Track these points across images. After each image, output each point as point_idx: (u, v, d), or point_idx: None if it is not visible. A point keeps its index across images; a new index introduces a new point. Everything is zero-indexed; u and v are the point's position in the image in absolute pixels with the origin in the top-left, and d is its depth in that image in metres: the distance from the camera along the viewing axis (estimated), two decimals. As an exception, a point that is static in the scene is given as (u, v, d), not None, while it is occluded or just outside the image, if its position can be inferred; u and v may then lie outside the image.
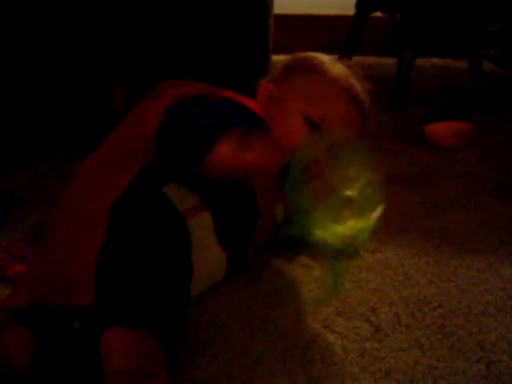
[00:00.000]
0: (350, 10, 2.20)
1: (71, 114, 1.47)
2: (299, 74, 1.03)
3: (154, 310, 0.67)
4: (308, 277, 0.95)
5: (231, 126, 0.79)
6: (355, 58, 2.28)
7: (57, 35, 1.39)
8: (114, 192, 0.76)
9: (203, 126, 0.79)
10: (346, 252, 0.79)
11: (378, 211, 0.79)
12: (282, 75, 1.04)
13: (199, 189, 0.82)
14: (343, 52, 2.23)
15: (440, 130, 1.47)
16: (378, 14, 2.19)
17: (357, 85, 1.04)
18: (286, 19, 2.26)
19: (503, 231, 1.13)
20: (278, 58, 1.14)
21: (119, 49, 1.47)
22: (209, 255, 0.84)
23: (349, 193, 0.78)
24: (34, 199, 1.22)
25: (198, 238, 0.79)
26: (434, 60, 2.43)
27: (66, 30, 1.39)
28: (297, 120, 0.98)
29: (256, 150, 0.74)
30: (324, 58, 1.06)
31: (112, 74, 1.48)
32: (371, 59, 2.46)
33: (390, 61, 2.45)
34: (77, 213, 0.78)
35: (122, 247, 0.71)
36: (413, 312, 0.89)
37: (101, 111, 1.47)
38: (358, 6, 2.14)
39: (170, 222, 0.75)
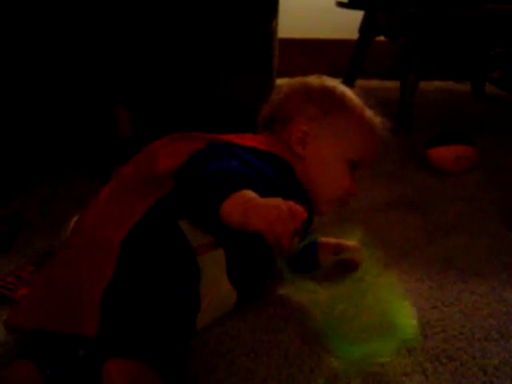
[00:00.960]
0: (354, 35, 2.22)
1: (78, 139, 1.49)
2: (333, 113, 1.00)
3: (156, 342, 0.68)
4: (312, 301, 0.95)
5: (253, 178, 0.78)
6: (359, 82, 2.30)
7: (65, 60, 1.41)
8: (126, 224, 0.77)
9: (218, 179, 0.76)
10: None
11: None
12: (312, 113, 1.00)
13: (215, 228, 0.81)
14: (345, 80, 2.25)
15: (443, 154, 1.48)
16: (381, 37, 2.21)
17: (372, 116, 1.06)
18: (289, 43, 2.28)
19: (507, 255, 1.13)
20: (282, 82, 1.14)
21: (125, 74, 1.50)
22: (219, 291, 0.84)
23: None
24: (41, 223, 1.24)
25: (208, 274, 0.80)
26: (437, 83, 2.45)
27: (73, 55, 1.41)
28: (340, 163, 0.98)
29: (262, 215, 0.71)
30: (343, 90, 1.05)
31: (118, 99, 1.50)
32: (374, 82, 2.48)
33: (393, 84, 2.47)
34: (89, 242, 0.78)
35: (130, 280, 0.72)
36: (416, 336, 0.89)
37: (107, 136, 1.49)
38: (361, 30, 2.16)
39: (180, 256, 0.75)
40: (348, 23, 2.29)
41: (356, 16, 2.17)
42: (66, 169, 1.48)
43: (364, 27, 2.14)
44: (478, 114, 2.10)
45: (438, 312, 0.95)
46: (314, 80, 1.05)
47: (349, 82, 2.25)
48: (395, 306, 0.81)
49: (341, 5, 1.96)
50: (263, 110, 1.06)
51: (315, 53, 2.46)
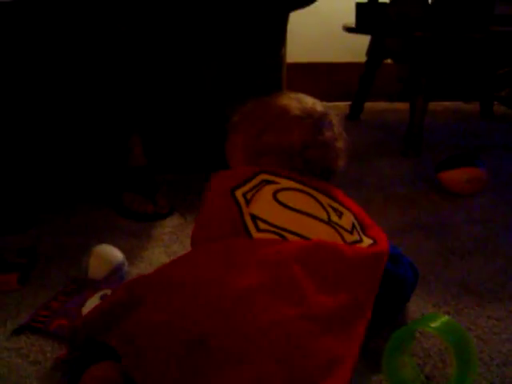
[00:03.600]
0: (362, 57, 2.24)
1: (93, 169, 1.51)
2: None
3: None
4: None
5: None
6: (367, 104, 2.32)
7: (81, 91, 1.43)
8: None
9: None
10: None
11: None
12: None
13: None
14: (354, 102, 2.28)
15: (454, 177, 1.49)
16: (389, 60, 2.23)
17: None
18: (297, 67, 2.31)
19: (522, 279, 1.14)
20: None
21: (140, 104, 1.52)
22: None
23: None
24: (57, 254, 1.25)
25: None
26: (446, 104, 2.46)
27: (90, 86, 1.43)
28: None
29: None
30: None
31: (132, 130, 1.52)
32: (383, 105, 2.50)
33: (401, 106, 2.50)
34: None
35: None
36: (435, 363, 0.90)
37: (121, 166, 1.50)
38: (369, 53, 2.18)
39: None
40: (356, 46, 2.31)
41: (364, 39, 2.19)
42: (80, 199, 1.50)
43: (372, 50, 2.16)
44: (487, 135, 2.11)
45: (456, 338, 0.95)
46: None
47: (358, 105, 2.27)
48: None
49: (348, 30, 1.98)
50: None
51: (323, 76, 2.48)
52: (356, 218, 1.00)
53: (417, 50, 1.79)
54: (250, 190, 0.97)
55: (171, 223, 1.40)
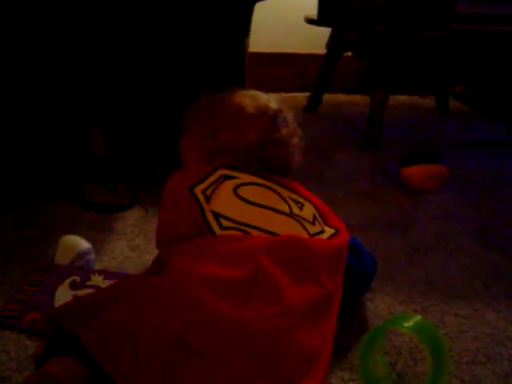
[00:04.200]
0: (322, 49, 2.24)
1: (52, 159, 1.46)
2: None
3: None
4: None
5: None
6: (325, 96, 2.32)
7: (40, 82, 1.38)
8: None
9: None
10: None
11: None
12: None
13: None
14: (313, 94, 2.28)
15: (416, 173, 1.51)
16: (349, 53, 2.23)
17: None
18: (258, 57, 2.28)
19: (486, 276, 1.16)
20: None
21: (100, 94, 1.48)
22: None
23: None
24: (18, 248, 1.20)
25: None
26: (402, 98, 2.49)
27: (49, 76, 1.38)
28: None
29: None
30: None
31: (93, 119, 1.48)
32: (341, 97, 2.51)
33: (359, 98, 2.51)
34: None
35: None
36: (406, 361, 0.91)
37: (81, 155, 1.46)
38: (329, 46, 2.18)
39: None
40: (317, 38, 2.31)
41: (325, 31, 2.19)
42: (36, 190, 1.45)
43: (332, 43, 2.16)
44: (444, 129, 2.14)
45: (425, 336, 0.96)
46: None
47: (316, 97, 2.27)
48: None
49: (310, 21, 1.97)
50: None
51: (284, 67, 2.47)
52: (316, 209, 1.01)
53: (378, 45, 1.80)
54: (210, 186, 0.96)
55: (133, 216, 1.37)
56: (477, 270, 1.18)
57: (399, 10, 1.75)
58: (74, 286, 1.03)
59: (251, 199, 0.95)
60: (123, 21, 1.45)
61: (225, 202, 0.94)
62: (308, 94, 2.31)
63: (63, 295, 1.01)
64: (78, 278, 1.05)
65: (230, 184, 0.97)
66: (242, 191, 0.96)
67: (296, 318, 0.79)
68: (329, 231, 0.98)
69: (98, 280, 1.06)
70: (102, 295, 0.86)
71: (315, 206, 1.01)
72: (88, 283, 1.05)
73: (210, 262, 0.84)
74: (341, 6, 1.88)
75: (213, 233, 0.91)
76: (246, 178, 0.99)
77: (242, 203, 0.95)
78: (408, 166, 1.52)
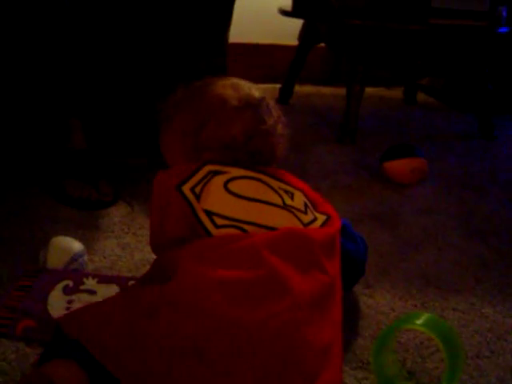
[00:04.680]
0: (293, 40, 2.24)
1: (31, 153, 1.41)
2: None
3: None
4: None
5: None
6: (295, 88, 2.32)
7: (17, 74, 1.33)
8: None
9: None
10: None
11: None
12: None
13: None
14: (284, 85, 2.27)
15: (398, 167, 1.53)
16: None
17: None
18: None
19: (476, 270, 1.18)
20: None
21: (78, 86, 1.43)
22: None
23: None
24: (0, 248, 1.16)
25: None
26: (369, 89, 2.50)
27: (27, 68, 1.33)
28: None
29: None
30: None
31: (71, 112, 1.43)
32: (308, 88, 2.51)
33: (327, 90, 2.52)
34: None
35: None
36: (414, 357, 0.92)
37: (60, 149, 1.41)
38: (301, 38, 2.17)
39: None
40: (287, 29, 2.30)
41: (296, 23, 2.18)
42: (18, 186, 1.40)
43: (304, 35, 2.15)
44: (415, 122, 2.17)
45: (429, 331, 0.97)
46: None
47: (288, 89, 2.27)
48: None
49: (284, 13, 1.96)
50: None
51: (253, 57, 2.45)
52: (306, 196, 1.00)
53: (356, 39, 1.80)
54: (198, 183, 0.92)
55: (118, 212, 1.34)
56: (467, 263, 1.21)
57: (377, 4, 1.76)
58: (67, 290, 1.01)
59: (243, 194, 0.93)
60: (105, 13, 1.41)
61: (216, 198, 0.91)
62: (276, 85, 2.31)
63: (57, 300, 0.98)
64: (70, 283, 1.02)
65: (220, 179, 0.93)
66: (233, 186, 0.94)
67: (307, 311, 0.78)
68: (321, 218, 0.96)
69: (91, 284, 1.03)
70: (109, 304, 0.82)
71: (305, 194, 1.00)
72: (82, 287, 1.02)
73: (216, 265, 0.82)
74: (315, -1, 1.88)
75: (208, 232, 0.88)
76: (235, 171, 0.96)
77: (234, 199, 0.92)
78: (391, 161, 1.53)
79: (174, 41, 1.49)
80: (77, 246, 1.08)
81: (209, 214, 0.89)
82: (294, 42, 2.24)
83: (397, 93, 2.50)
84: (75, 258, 1.06)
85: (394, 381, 0.86)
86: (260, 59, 2.47)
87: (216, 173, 0.94)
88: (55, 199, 1.37)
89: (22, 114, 1.38)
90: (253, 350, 0.72)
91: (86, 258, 1.09)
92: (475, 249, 1.26)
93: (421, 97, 2.47)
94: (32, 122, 1.40)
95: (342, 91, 2.48)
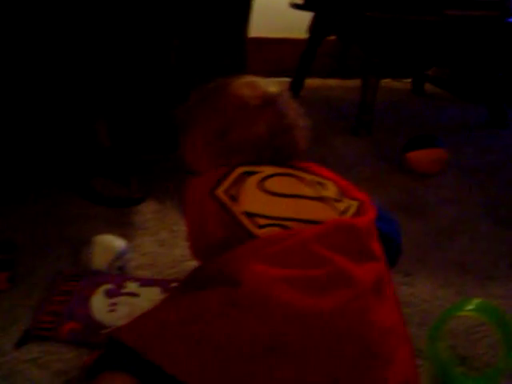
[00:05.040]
0: (301, 34, 2.25)
1: (58, 154, 1.41)
2: None
3: None
4: None
5: None
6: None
7: (44, 77, 1.34)
8: None
9: None
10: None
11: None
12: None
13: None
14: (295, 79, 2.28)
15: (422, 157, 1.55)
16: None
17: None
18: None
19: (508, 257, 1.20)
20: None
21: (104, 87, 1.43)
22: None
23: None
24: (38, 247, 1.17)
25: None
26: (377, 81, 2.52)
27: (54, 71, 1.34)
28: None
29: None
30: None
31: (98, 113, 1.44)
32: (316, 81, 2.51)
33: (334, 82, 2.53)
34: None
35: None
36: (463, 343, 0.94)
37: (87, 150, 1.42)
38: (311, 30, 2.18)
39: None
40: (292, 23, 2.31)
41: (303, 16, 2.19)
42: (45, 186, 1.41)
43: (315, 28, 2.16)
44: (426, 112, 2.19)
45: (474, 319, 0.97)
46: None
47: (298, 82, 2.28)
48: None
49: (295, 6, 1.97)
50: None
51: (262, 52, 2.46)
52: (337, 185, 0.99)
53: (372, 31, 1.82)
54: (232, 185, 0.92)
55: (149, 209, 1.34)
56: (499, 251, 1.23)
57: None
58: (109, 293, 1.01)
59: (279, 191, 0.93)
60: (128, 12, 1.41)
61: (254, 199, 0.91)
62: (286, 79, 2.31)
63: (99, 303, 0.98)
64: (111, 286, 1.03)
65: (254, 179, 0.93)
66: (268, 184, 0.94)
67: (372, 298, 0.80)
68: (354, 204, 0.96)
69: (133, 287, 1.03)
70: (168, 311, 0.81)
71: (335, 183, 1.00)
72: (123, 290, 1.02)
73: (277, 264, 0.82)
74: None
75: (250, 234, 0.88)
76: (267, 170, 0.96)
77: (271, 197, 0.92)
78: (414, 151, 1.55)
79: (196, 37, 1.50)
80: (121, 243, 1.08)
81: (249, 215, 0.89)
82: (299, 35, 2.26)
83: (403, 84, 2.52)
84: (120, 255, 1.06)
85: (448, 367, 0.88)
86: (267, 54, 2.48)
87: (249, 173, 0.94)
88: (85, 198, 1.37)
89: (49, 114, 1.38)
90: (329, 338, 0.73)
91: (129, 255, 1.10)
92: (504, 237, 1.28)
93: (427, 87, 2.49)
94: (59, 123, 1.40)
95: (350, 83, 2.52)
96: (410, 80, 2.49)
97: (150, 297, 1.00)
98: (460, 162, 1.68)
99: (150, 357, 0.72)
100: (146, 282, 1.05)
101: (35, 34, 1.29)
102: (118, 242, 1.08)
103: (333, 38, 2.23)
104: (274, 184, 0.94)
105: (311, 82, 2.48)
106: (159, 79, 1.50)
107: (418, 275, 1.12)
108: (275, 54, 2.48)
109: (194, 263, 1.05)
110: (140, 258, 1.14)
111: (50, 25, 1.30)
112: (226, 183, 0.92)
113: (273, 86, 1.05)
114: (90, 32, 1.35)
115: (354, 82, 2.54)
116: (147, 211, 1.33)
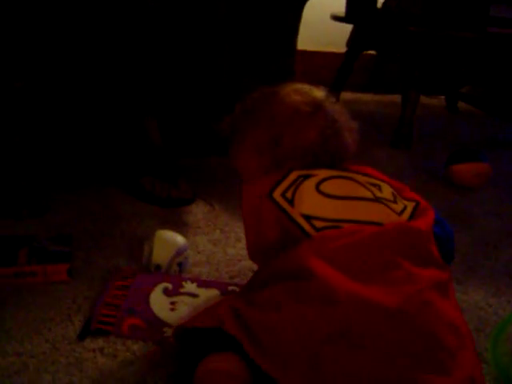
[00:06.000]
0: (336, 48, 2.28)
1: (109, 153, 1.44)
2: None
3: None
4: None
5: None
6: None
7: (95, 76, 1.37)
8: None
9: None
10: None
11: None
12: None
13: None
14: (332, 88, 2.30)
15: (466, 170, 1.56)
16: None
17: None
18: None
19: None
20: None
21: (154, 86, 1.46)
22: None
23: None
24: (92, 242, 1.20)
25: None
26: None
27: (104, 70, 1.37)
28: None
29: None
30: None
31: (147, 111, 1.46)
32: (348, 95, 2.54)
33: (364, 96, 2.56)
34: None
35: None
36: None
37: (138, 148, 1.45)
38: (349, 44, 2.21)
39: None
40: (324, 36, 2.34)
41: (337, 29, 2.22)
42: (95, 183, 1.43)
43: (353, 41, 2.19)
44: (461, 129, 2.21)
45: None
46: None
47: (334, 94, 2.30)
48: None
49: (337, 18, 2.00)
50: None
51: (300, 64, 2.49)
52: (391, 186, 1.01)
53: (413, 45, 1.84)
54: (288, 188, 0.94)
55: (199, 210, 1.37)
56: (545, 263, 1.24)
57: (434, 11, 1.80)
58: (167, 292, 1.02)
59: (336, 193, 0.94)
60: (178, 14, 1.44)
61: (311, 202, 0.93)
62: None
63: (159, 301, 0.99)
64: (169, 285, 1.03)
65: (311, 182, 0.95)
66: (324, 187, 0.95)
67: (435, 293, 0.81)
68: (410, 205, 0.98)
69: (191, 287, 1.04)
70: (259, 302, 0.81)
71: (390, 184, 1.02)
72: (182, 290, 1.03)
73: (341, 262, 0.84)
74: (370, 4, 1.92)
75: (308, 236, 0.89)
76: (322, 173, 0.98)
77: (328, 200, 0.93)
78: (459, 164, 1.57)
79: (248, 44, 1.53)
80: (181, 239, 1.10)
81: (307, 218, 0.90)
82: (335, 49, 2.29)
83: (438, 101, 2.54)
84: (180, 251, 1.08)
85: (510, 372, 0.89)
86: (303, 66, 2.51)
87: (305, 177, 0.96)
88: (136, 197, 1.40)
89: (99, 114, 1.41)
90: (397, 329, 0.74)
91: (188, 252, 1.12)
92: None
93: (461, 105, 2.51)
94: (109, 122, 1.43)
95: (383, 98, 2.55)
96: (443, 97, 2.52)
97: (211, 298, 1.01)
98: (500, 177, 1.69)
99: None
100: (203, 284, 1.05)
101: (92, 33, 1.33)
102: (178, 238, 1.10)
103: (368, 52, 2.26)
104: (330, 186, 0.95)
105: (344, 96, 2.51)
106: (211, 83, 1.53)
107: (470, 283, 1.13)
108: (311, 67, 2.51)
109: (249, 263, 1.08)
110: (196, 255, 1.17)
111: (106, 24, 1.33)
112: (282, 186, 0.94)
113: (318, 91, 1.07)
114: (143, 32, 1.38)
115: (387, 97, 2.58)
116: (198, 212, 1.35)
